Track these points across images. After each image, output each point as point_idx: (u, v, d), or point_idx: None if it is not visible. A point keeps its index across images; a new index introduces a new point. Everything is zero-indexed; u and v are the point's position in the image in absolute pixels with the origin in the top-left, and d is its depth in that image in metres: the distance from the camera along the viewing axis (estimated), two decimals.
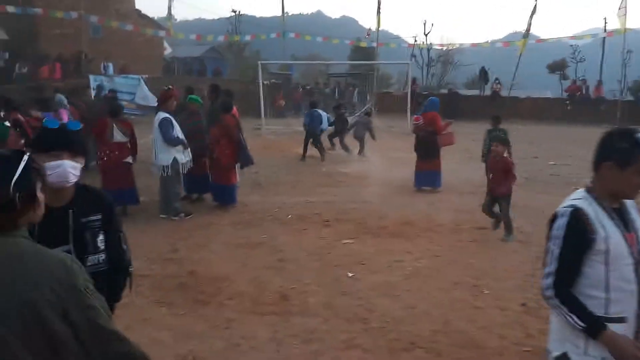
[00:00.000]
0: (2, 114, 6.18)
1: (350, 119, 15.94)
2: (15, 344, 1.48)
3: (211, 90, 9.28)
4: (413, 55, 32.04)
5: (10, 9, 19.86)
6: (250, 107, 19.54)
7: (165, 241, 6.30)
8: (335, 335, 4.04)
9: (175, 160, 7.02)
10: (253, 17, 77.13)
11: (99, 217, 2.28)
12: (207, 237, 6.47)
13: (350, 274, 5.23)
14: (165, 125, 6.84)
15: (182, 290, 4.86)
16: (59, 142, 2.14)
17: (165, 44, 30.19)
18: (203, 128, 7.94)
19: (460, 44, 38.48)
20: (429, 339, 3.99)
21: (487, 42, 35.47)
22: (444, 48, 38.60)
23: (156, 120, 6.97)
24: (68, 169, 2.12)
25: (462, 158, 11.82)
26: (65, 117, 8.67)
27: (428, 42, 34.46)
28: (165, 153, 6.97)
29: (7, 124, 5.97)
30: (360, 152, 13.29)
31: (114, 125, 7.34)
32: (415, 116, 8.99)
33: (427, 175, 8.98)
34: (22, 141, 6.30)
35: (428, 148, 8.87)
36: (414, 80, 25.54)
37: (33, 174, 1.61)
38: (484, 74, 26.90)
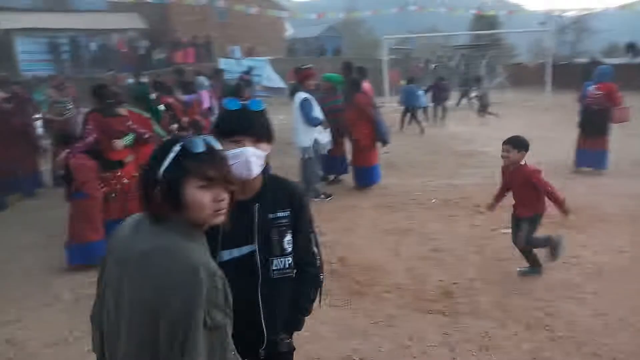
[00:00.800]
0: (154, 96, 6.37)
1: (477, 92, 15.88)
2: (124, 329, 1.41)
3: (344, 68, 8.94)
4: (542, 23, 29.31)
5: None
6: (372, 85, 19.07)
7: None
8: (517, 343, 3.52)
9: (316, 141, 6.81)
10: None
11: (288, 213, 1.93)
12: (352, 221, 6.19)
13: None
14: (306, 106, 6.62)
15: (335, 278, 4.60)
16: (240, 126, 1.81)
17: (287, 25, 30.59)
18: (341, 107, 7.67)
19: (604, 9, 34.50)
20: (638, 355, 3.32)
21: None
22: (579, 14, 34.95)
23: (296, 101, 6.77)
24: (250, 158, 1.79)
25: (625, 135, 10.38)
26: (206, 99, 8.87)
27: (559, 8, 31.35)
28: (305, 134, 6.77)
29: (162, 107, 6.13)
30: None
31: None
32: (595, 85, 7.82)
33: (593, 154, 7.89)
34: (175, 125, 6.46)
35: (598, 124, 7.77)
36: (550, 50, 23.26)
37: (181, 168, 1.37)
38: (631, 47, 23.70)
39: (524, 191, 4.36)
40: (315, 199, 6.98)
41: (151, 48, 23.02)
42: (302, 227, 1.99)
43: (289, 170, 8.79)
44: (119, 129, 5.13)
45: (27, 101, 8.48)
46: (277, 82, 22.92)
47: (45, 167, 8.49)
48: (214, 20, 25.02)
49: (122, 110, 5.26)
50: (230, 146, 1.78)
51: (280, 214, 1.92)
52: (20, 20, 23.15)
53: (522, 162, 4.37)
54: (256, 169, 1.84)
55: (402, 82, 24.04)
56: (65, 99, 8.34)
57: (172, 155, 1.39)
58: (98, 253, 4.90)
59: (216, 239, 1.74)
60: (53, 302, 4.33)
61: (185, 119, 7.11)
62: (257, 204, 1.89)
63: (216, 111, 9.82)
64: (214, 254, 1.65)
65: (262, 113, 1.90)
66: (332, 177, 8.08)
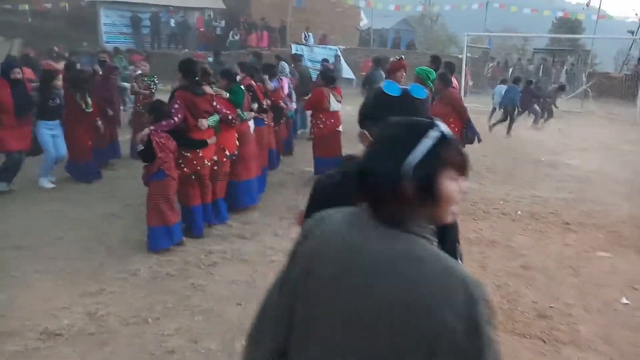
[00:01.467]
0: (238, 78, 6.25)
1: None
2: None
3: (432, 61, 8.54)
4: (630, 32, 27.38)
5: None
6: None
7: None
8: None
9: None
10: None
11: None
12: None
13: (625, 301, 4.19)
14: None
15: None
16: (403, 115, 1.59)
17: (362, 15, 30.12)
18: (430, 103, 7.32)
19: None
20: None
21: None
22: None
23: None
24: None
25: None
26: (286, 85, 8.72)
27: None
28: None
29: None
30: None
31: (330, 94, 7.44)
32: None
33: None
34: (255, 105, 6.32)
35: None
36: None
37: (439, 157, 1.14)
38: None
39: None
40: None
41: (227, 29, 23.21)
42: (449, 238, 1.74)
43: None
44: (205, 109, 5.02)
45: (113, 69, 8.60)
46: (347, 72, 22.66)
47: (122, 137, 8.63)
48: (290, 5, 24.93)
49: (208, 89, 5.14)
50: None
51: None
52: None
53: None
54: None
55: (471, 83, 23.26)
56: (152, 74, 8.39)
57: (428, 142, 1.15)
58: (176, 236, 4.85)
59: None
60: (130, 278, 4.28)
61: (266, 101, 6.97)
62: None
63: (294, 98, 9.67)
64: None
65: (423, 101, 1.65)
66: None
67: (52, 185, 6.79)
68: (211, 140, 5.08)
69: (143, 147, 4.74)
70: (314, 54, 22.46)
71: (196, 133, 5.00)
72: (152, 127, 4.66)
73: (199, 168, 5.04)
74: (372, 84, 11.56)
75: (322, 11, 27.24)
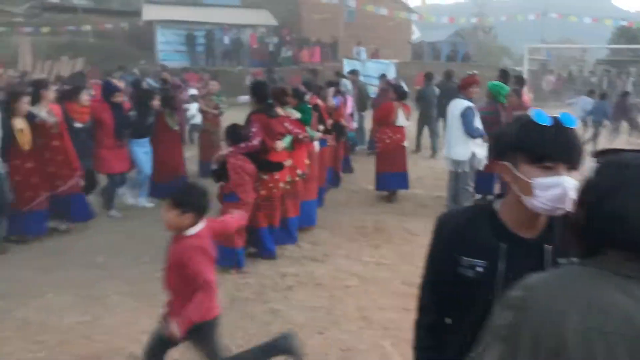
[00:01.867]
0: (306, 97, 6.18)
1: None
2: None
3: (500, 75, 8.26)
4: None
5: None
6: None
7: None
8: None
9: (473, 155, 6.26)
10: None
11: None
12: None
13: None
14: (468, 115, 6.09)
15: None
16: (556, 149, 1.39)
17: (414, 28, 29.92)
18: (497, 118, 7.05)
19: None
20: None
21: None
22: None
23: (455, 108, 6.26)
24: (569, 191, 1.36)
25: None
26: (350, 103, 8.62)
27: None
28: (462, 146, 6.24)
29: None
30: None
31: (399, 108, 7.34)
32: None
33: None
34: (321, 127, 6.23)
35: None
36: None
37: None
38: None
39: None
40: None
41: (280, 45, 23.50)
42: None
43: (420, 181, 8.42)
44: (279, 131, 4.96)
45: (179, 87, 8.74)
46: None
47: (190, 153, 8.71)
48: (341, 20, 25.04)
49: (280, 110, 5.08)
50: (537, 172, 1.39)
51: (574, 260, 1.49)
52: (162, 12, 24.77)
53: None
54: (570, 205, 1.40)
55: (531, 96, 22.38)
56: (219, 94, 8.44)
57: None
58: (240, 259, 4.78)
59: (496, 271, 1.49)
60: None
61: (329, 121, 6.88)
62: (548, 246, 1.49)
63: (356, 117, 9.51)
64: None
65: (576, 132, 1.47)
66: (478, 196, 7.45)
67: (152, 204, 6.78)
68: (287, 162, 5.01)
69: (217, 167, 4.71)
70: (366, 69, 22.40)
71: (272, 155, 4.95)
72: (230, 150, 4.65)
73: (274, 191, 4.97)
74: (425, 99, 11.31)
75: (373, 25, 27.20)
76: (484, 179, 7.03)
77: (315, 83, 8.52)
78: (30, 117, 5.08)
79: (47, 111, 5.23)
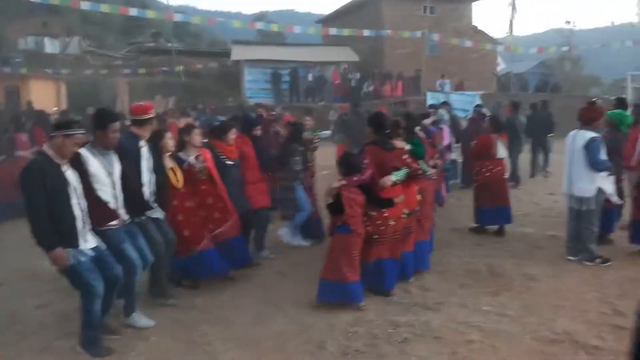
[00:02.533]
0: (416, 129, 5.83)
1: None
2: None
3: (616, 104, 7.50)
4: None
5: (365, 32, 21.56)
6: None
7: (594, 295, 4.88)
8: None
9: (600, 190, 5.57)
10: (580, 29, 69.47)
11: None
12: None
13: None
14: (594, 147, 5.44)
15: None
16: None
17: (499, 60, 28.95)
18: (621, 149, 6.36)
19: None
20: None
21: None
22: None
23: (578, 140, 5.62)
24: None
25: None
26: (447, 135, 8.18)
27: None
28: (587, 181, 5.57)
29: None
30: None
31: (497, 141, 7.09)
32: None
33: None
34: (433, 161, 5.83)
35: None
36: None
37: None
38: None
39: None
40: (588, 263, 5.70)
41: (362, 80, 23.48)
42: None
43: (527, 218, 7.74)
44: (393, 164, 4.62)
45: (273, 122, 8.69)
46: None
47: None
48: (423, 54, 24.68)
49: (398, 143, 4.74)
50: None
51: None
52: (250, 52, 25.64)
53: None
54: None
55: None
56: (314, 129, 8.25)
57: None
58: (352, 294, 4.47)
59: None
60: (317, 351, 3.84)
61: (436, 155, 6.50)
62: None
63: (453, 148, 9.06)
64: None
65: None
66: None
67: (308, 244, 6.58)
68: (398, 198, 4.63)
69: (332, 200, 4.50)
70: (451, 101, 21.82)
71: (384, 191, 4.61)
72: (343, 182, 4.40)
73: (382, 228, 4.59)
74: (513, 128, 10.54)
75: (457, 58, 26.61)
76: (603, 216, 6.24)
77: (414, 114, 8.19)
78: (179, 162, 5.01)
79: (196, 156, 5.15)
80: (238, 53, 25.40)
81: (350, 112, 13.60)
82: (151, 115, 4.66)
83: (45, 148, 3.71)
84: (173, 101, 23.98)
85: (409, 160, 4.76)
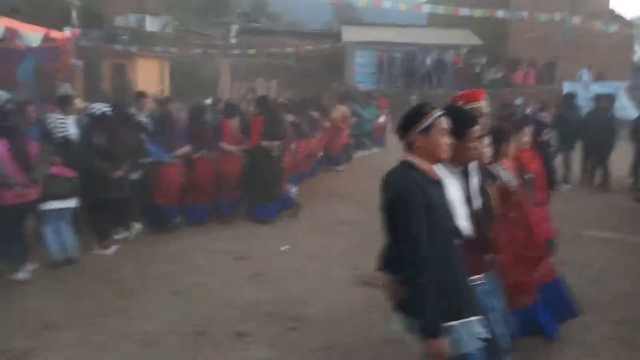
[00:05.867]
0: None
1: None
2: None
3: None
4: None
5: (499, 13, 19.20)
6: None
7: None
8: None
9: None
10: None
11: None
12: None
13: None
14: None
15: None
16: None
17: (636, 47, 25.69)
18: None
19: None
20: None
21: None
22: None
23: None
24: None
25: None
26: None
27: None
28: None
29: None
30: None
31: None
32: None
33: None
34: None
35: None
36: None
37: None
38: None
39: None
40: None
41: (487, 66, 21.21)
42: None
43: None
44: None
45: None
46: (630, 111, 18.85)
47: None
48: (556, 39, 21.99)
49: None
50: None
51: None
52: (360, 33, 23.89)
53: None
54: None
55: None
56: None
57: None
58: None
59: None
60: None
61: None
62: None
63: None
64: None
65: None
66: None
67: None
68: None
69: None
70: (588, 92, 19.27)
71: None
72: None
73: None
74: None
75: (590, 44, 23.61)
76: None
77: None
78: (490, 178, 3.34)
79: (505, 169, 3.45)
80: (349, 34, 23.68)
81: (564, 105, 11.13)
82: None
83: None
84: (275, 85, 22.77)
85: None
